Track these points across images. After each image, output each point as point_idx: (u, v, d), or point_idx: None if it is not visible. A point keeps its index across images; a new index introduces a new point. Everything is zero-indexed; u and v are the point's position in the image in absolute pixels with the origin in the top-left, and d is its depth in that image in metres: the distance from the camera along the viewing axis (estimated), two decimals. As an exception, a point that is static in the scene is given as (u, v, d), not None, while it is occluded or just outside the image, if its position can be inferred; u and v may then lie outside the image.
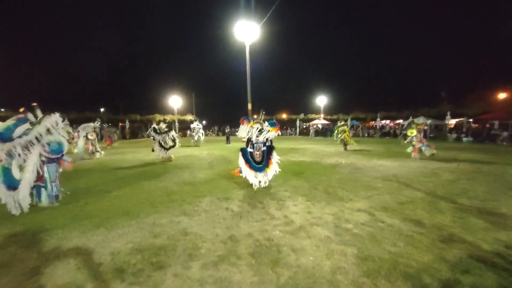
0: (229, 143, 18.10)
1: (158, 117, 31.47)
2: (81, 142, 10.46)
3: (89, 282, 2.26)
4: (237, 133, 6.09)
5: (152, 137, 9.88)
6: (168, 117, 32.25)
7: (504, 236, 3.00)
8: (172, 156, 9.91)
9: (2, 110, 23.76)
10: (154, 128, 9.76)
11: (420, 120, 9.52)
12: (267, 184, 5.51)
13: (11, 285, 2.24)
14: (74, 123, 21.02)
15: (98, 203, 4.56)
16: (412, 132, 9.39)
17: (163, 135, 9.65)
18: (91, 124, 11.09)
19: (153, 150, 9.98)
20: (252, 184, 5.36)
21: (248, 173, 5.36)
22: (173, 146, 9.88)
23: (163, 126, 10.19)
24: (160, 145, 9.63)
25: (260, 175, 5.38)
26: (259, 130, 5.66)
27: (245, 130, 5.75)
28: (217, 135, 35.77)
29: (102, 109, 37.86)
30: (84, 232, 3.31)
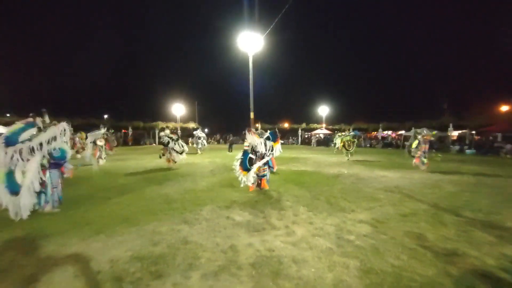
0: (231, 151, 18.08)
1: (161, 124, 31.66)
2: (89, 149, 10.61)
3: (87, 290, 2.23)
4: (244, 142, 6.46)
5: (165, 144, 10.05)
6: (171, 125, 32.47)
7: (510, 251, 2.94)
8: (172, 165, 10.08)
9: (8, 115, 24.06)
10: (169, 136, 10.04)
11: (424, 131, 9.36)
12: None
13: (8, 292, 2.22)
14: (79, 129, 21.20)
15: (99, 210, 4.55)
16: (415, 143, 9.30)
17: (176, 142, 9.97)
18: (101, 131, 11.28)
19: (160, 157, 10.18)
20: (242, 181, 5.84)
21: (239, 172, 5.92)
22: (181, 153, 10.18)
23: (168, 132, 10.42)
24: (175, 151, 9.94)
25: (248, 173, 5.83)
26: (264, 143, 5.97)
27: (253, 140, 6.05)
28: (219, 143, 35.86)
29: (105, 116, 38.22)
30: (83, 239, 3.29)
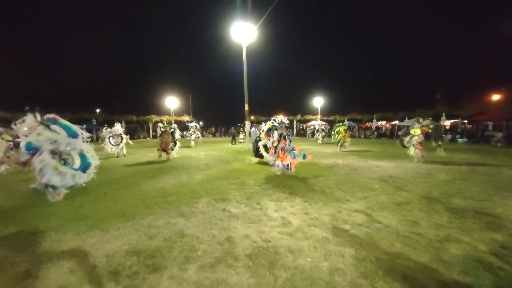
0: (235, 143, 18.02)
1: (155, 117, 31.28)
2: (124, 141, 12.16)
3: (83, 285, 2.22)
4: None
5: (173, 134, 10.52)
6: (165, 118, 32.11)
7: (500, 237, 3.02)
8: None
9: (-4, 110, 23.35)
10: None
11: (426, 121, 9.21)
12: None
13: (2, 289, 2.19)
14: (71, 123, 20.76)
15: (93, 205, 4.50)
16: (416, 132, 9.02)
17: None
18: (119, 125, 12.32)
19: (158, 150, 10.34)
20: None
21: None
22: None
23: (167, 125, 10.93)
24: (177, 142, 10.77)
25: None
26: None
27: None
28: (214, 135, 35.73)
29: (98, 110, 37.55)
30: (78, 234, 3.26)
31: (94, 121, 27.16)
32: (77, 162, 4.80)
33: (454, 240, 2.96)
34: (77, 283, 2.24)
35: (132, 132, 30.32)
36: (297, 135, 32.94)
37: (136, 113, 32.09)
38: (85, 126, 5.34)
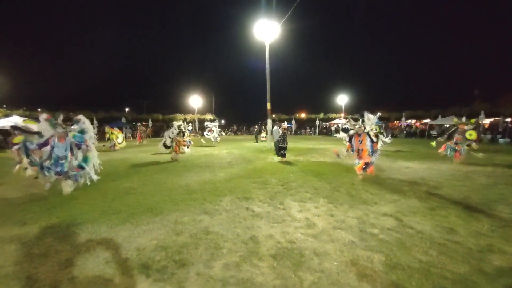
0: (258, 142, 18.24)
1: (179, 116, 32.32)
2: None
3: (117, 276, 2.35)
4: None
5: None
6: (189, 117, 33.07)
7: (553, 249, 2.71)
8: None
9: (39, 110, 25.60)
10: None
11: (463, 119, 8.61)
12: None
13: (48, 275, 2.38)
14: (103, 121, 22.21)
15: (124, 199, 4.76)
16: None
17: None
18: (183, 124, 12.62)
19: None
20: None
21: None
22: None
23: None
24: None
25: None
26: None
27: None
28: (236, 134, 36.12)
29: (127, 109, 39.66)
30: (112, 227, 3.46)
31: (123, 120, 28.70)
32: (79, 159, 5.42)
33: (497, 250, 2.71)
34: (111, 274, 2.38)
35: (158, 130, 31.66)
36: (319, 134, 32.24)
37: (162, 112, 33.44)
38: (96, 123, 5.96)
